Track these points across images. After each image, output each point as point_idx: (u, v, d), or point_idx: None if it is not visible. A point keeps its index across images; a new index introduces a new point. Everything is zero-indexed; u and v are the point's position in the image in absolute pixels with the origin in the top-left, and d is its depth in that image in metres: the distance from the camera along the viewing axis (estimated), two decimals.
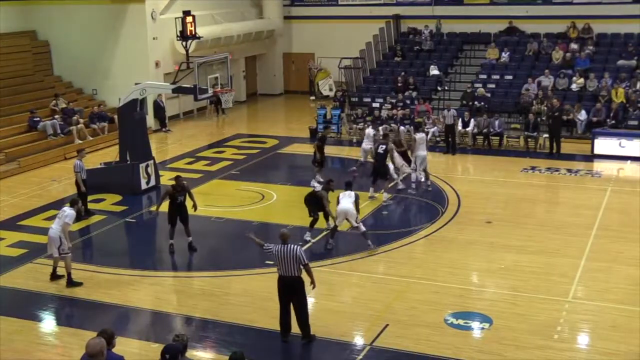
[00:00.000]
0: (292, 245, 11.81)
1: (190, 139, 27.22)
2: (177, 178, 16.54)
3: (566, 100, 26.50)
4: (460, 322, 12.71)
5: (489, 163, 23.59)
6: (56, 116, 25.94)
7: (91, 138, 26.01)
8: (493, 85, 28.64)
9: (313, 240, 16.76)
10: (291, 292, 11.88)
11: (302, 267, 11.76)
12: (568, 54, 28.85)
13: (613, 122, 25.08)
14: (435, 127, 25.91)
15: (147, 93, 21.17)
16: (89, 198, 19.04)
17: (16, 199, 20.52)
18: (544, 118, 25.22)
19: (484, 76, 29.30)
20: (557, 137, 24.33)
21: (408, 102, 28.12)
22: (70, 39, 28.84)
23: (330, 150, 25.15)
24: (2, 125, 24.86)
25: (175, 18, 23.07)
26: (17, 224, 18.42)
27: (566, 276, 14.48)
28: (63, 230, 14.37)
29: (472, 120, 25.62)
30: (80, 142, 25.18)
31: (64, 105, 26.74)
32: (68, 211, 14.42)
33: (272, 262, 15.36)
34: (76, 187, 18.59)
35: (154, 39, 28.46)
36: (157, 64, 28.62)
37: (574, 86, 27.54)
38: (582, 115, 25.39)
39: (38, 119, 25.48)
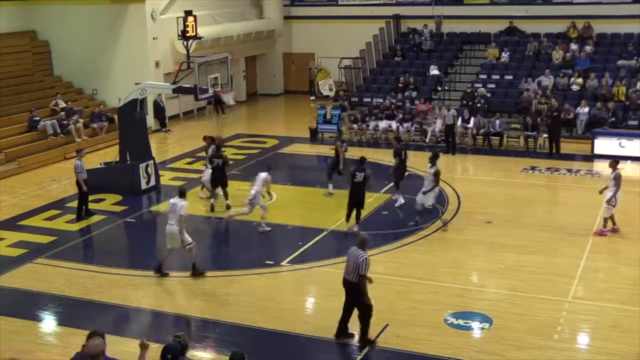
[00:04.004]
0: (361, 252, 11.70)
1: (190, 139, 27.16)
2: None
3: (566, 100, 26.51)
4: (460, 322, 12.71)
5: (489, 163, 23.60)
6: (56, 116, 25.96)
7: (86, 138, 25.87)
8: (493, 85, 28.64)
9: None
10: (348, 295, 11.90)
11: (359, 276, 11.65)
12: (568, 54, 28.86)
13: (613, 119, 25.08)
14: (434, 126, 25.92)
15: (147, 93, 21.16)
16: (90, 198, 19.04)
17: (16, 199, 20.51)
18: (544, 118, 25.23)
19: (484, 76, 29.31)
20: (556, 137, 24.33)
21: (408, 102, 28.15)
22: (70, 39, 28.82)
23: (329, 151, 25.14)
24: (2, 125, 24.84)
25: (177, 18, 23.06)
26: (17, 224, 18.41)
27: (566, 276, 14.48)
28: (179, 222, 14.33)
29: (472, 118, 25.66)
30: (79, 140, 25.23)
31: (63, 105, 26.72)
32: (180, 203, 14.37)
33: (271, 262, 15.48)
34: (77, 187, 18.56)
35: (154, 39, 28.46)
36: (157, 64, 28.62)
37: (574, 86, 27.55)
38: (585, 111, 25.36)
39: (38, 118, 25.48)
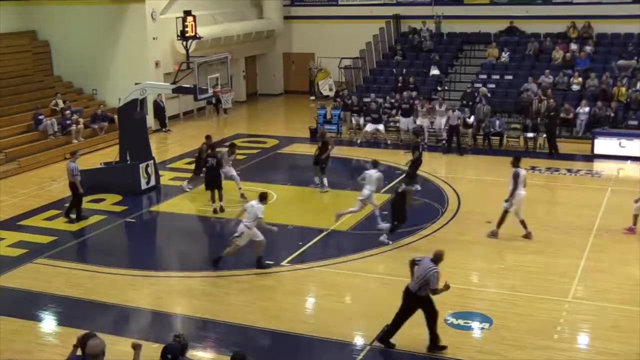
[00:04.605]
0: (432, 265, 11.36)
1: (190, 139, 27.16)
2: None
3: (566, 100, 26.51)
4: (461, 322, 12.71)
5: (489, 163, 23.58)
6: (57, 116, 25.97)
7: (82, 139, 25.83)
8: (493, 85, 28.64)
9: (390, 242, 16.41)
10: (404, 304, 11.66)
11: (431, 290, 11.40)
12: (568, 54, 28.86)
13: (613, 115, 25.06)
14: (426, 119, 25.85)
15: (147, 93, 21.17)
16: (88, 199, 19.03)
17: (16, 199, 20.52)
18: (542, 118, 25.19)
19: (484, 76, 29.31)
20: (553, 137, 24.28)
21: (405, 92, 28.16)
22: (70, 39, 28.82)
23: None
24: (2, 125, 24.84)
25: (176, 18, 23.07)
26: (17, 224, 18.42)
27: (566, 276, 14.48)
28: (258, 223, 14.76)
29: (473, 116, 25.65)
30: (76, 142, 25.30)
31: (62, 105, 26.71)
32: (257, 205, 14.76)
33: (271, 262, 15.46)
34: (72, 189, 18.38)
35: (154, 39, 28.46)
36: (157, 64, 28.63)
37: (574, 86, 27.56)
38: (585, 111, 25.30)
39: (42, 116, 25.50)
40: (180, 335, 9.22)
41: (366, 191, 17.03)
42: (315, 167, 20.77)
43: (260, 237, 14.95)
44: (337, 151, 25.17)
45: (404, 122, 26.36)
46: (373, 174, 17.08)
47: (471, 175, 20.93)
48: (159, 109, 29.17)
